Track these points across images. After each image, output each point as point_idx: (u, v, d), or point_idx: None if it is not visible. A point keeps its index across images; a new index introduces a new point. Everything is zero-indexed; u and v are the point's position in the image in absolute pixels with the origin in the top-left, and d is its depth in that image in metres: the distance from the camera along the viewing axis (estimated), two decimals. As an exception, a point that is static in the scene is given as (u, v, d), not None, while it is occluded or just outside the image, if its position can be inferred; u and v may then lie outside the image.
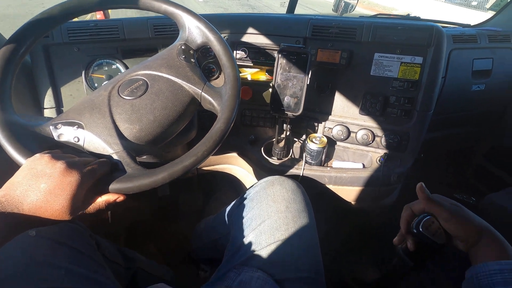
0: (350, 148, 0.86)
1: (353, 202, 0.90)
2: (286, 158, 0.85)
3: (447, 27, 1.12)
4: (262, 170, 0.88)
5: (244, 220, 0.65)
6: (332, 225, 0.93)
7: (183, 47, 0.56)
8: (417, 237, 0.48)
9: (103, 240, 0.64)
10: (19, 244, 0.44)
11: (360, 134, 0.82)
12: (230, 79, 0.53)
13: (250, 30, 0.82)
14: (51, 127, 0.47)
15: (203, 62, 0.83)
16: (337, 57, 0.77)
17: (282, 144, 0.82)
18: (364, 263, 0.89)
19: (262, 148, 0.87)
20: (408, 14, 1.16)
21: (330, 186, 0.85)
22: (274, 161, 0.84)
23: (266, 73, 0.86)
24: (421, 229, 0.47)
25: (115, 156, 0.46)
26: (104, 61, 0.77)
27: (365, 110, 0.80)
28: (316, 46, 0.79)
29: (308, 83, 0.71)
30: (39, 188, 0.37)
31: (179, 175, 0.44)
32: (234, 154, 0.95)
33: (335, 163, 0.86)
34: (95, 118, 0.48)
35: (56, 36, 0.72)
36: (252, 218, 0.64)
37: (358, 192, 0.85)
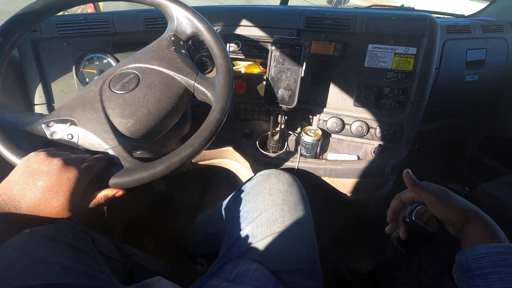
0: (345, 140, 0.86)
1: (348, 194, 0.90)
2: (281, 151, 0.85)
3: (441, 17, 1.11)
4: (257, 163, 0.88)
5: (240, 214, 0.65)
6: (327, 216, 0.94)
7: (172, 38, 0.55)
8: (409, 226, 0.48)
9: (99, 236, 0.64)
10: (13, 242, 0.44)
11: (355, 126, 0.82)
12: (222, 69, 0.53)
13: (243, 22, 0.81)
14: (43, 126, 0.46)
15: (196, 56, 0.82)
16: (331, 48, 0.77)
17: (277, 137, 0.82)
18: (359, 254, 0.91)
19: (257, 142, 0.87)
20: (402, 5, 1.15)
21: (325, 179, 0.85)
22: (269, 154, 0.84)
23: (260, 66, 0.85)
24: (413, 218, 0.47)
25: (111, 152, 0.46)
26: (95, 56, 0.76)
27: (360, 101, 0.80)
28: (310, 37, 0.78)
29: (302, 75, 0.70)
30: (37, 186, 0.37)
31: (176, 167, 0.44)
32: (230, 148, 0.95)
33: (330, 155, 0.87)
34: (87, 114, 0.47)
35: (45, 30, 0.70)
36: (248, 212, 0.64)
37: (353, 184, 0.86)
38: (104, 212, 0.92)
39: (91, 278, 0.48)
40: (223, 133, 0.89)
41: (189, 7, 0.55)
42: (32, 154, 0.40)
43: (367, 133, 0.82)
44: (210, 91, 0.52)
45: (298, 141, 0.84)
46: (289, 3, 1.19)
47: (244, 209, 0.66)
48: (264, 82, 0.82)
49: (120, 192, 0.44)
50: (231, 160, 1.02)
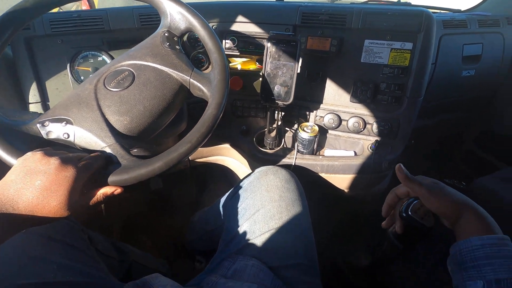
0: (342, 136, 0.86)
1: (345, 190, 0.91)
2: (278, 148, 0.85)
3: (437, 12, 1.11)
4: (254, 160, 0.88)
5: (238, 210, 0.66)
6: (325, 212, 0.95)
7: (166, 34, 0.55)
8: (406, 221, 0.49)
9: (96, 235, 0.64)
10: (11, 241, 0.44)
11: (351, 122, 0.82)
12: (218, 64, 0.53)
13: (239, 18, 0.80)
14: (38, 125, 0.46)
15: (192, 53, 0.81)
16: (327, 44, 0.76)
17: (273, 134, 0.82)
18: (356, 249, 0.91)
19: (254, 139, 0.86)
20: (399, 0, 1.15)
21: (322, 175, 0.86)
22: (266, 151, 0.84)
23: (257, 63, 0.85)
24: (410, 213, 0.48)
25: (108, 150, 0.45)
26: (89, 53, 0.75)
27: (356, 97, 0.80)
28: (306, 33, 0.78)
29: (298, 71, 0.70)
30: (34, 185, 0.37)
31: (175, 163, 0.44)
32: (227, 145, 0.95)
33: (327, 151, 0.87)
34: (83, 113, 0.47)
35: (38, 28, 0.69)
36: (246, 208, 0.64)
37: (350, 179, 0.86)
38: (102, 210, 0.92)
39: (88, 276, 0.48)
40: (220, 131, 0.89)
41: (182, 2, 0.55)
42: (29, 154, 0.40)
43: (363, 129, 0.82)
44: (206, 86, 0.52)
45: (295, 138, 0.84)
46: (285, -1, 1.19)
47: (241, 205, 0.66)
48: (261, 79, 0.82)
49: (118, 190, 0.44)
50: (228, 157, 1.02)
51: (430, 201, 0.45)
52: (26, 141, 0.45)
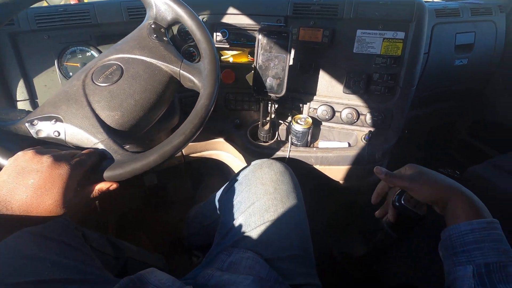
0: (335, 127, 0.86)
1: (340, 181, 0.91)
2: (272, 141, 0.85)
3: (429, 1, 1.11)
4: (248, 154, 0.88)
5: (233, 204, 0.66)
6: (320, 204, 0.95)
7: (153, 26, 0.54)
8: (399, 210, 0.49)
9: (90, 232, 0.63)
10: (3, 242, 0.43)
11: (345, 113, 0.82)
12: (207, 54, 0.52)
13: (230, 10, 0.79)
14: (27, 125, 0.45)
15: (182, 46, 0.80)
16: (319, 35, 0.76)
17: (267, 127, 0.82)
18: (351, 239, 0.92)
19: (247, 132, 0.86)
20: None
21: (317, 166, 0.86)
22: (260, 144, 0.84)
23: (249, 55, 0.84)
24: (402, 202, 0.48)
25: (100, 146, 0.45)
26: (77, 49, 0.73)
27: (349, 88, 0.80)
28: (298, 24, 0.77)
29: (291, 63, 0.70)
30: (27, 184, 0.36)
31: (170, 155, 0.44)
32: (221, 140, 0.95)
33: (321, 143, 0.87)
34: (72, 109, 0.46)
35: (23, 23, 0.68)
36: (241, 201, 0.64)
37: (344, 171, 0.86)
38: (97, 207, 0.91)
39: (84, 273, 0.48)
40: (213, 124, 0.89)
41: None
42: (20, 153, 0.39)
43: (357, 120, 0.82)
44: (197, 77, 0.51)
45: (288, 130, 0.84)
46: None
47: (237, 199, 0.66)
48: (253, 71, 0.81)
49: (114, 185, 0.44)
50: (223, 151, 1.02)
51: (416, 192, 0.45)
52: (17, 141, 0.44)
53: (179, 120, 0.74)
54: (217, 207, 0.76)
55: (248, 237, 0.59)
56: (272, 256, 0.57)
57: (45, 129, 0.45)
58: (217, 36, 0.80)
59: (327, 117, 0.83)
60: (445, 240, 0.41)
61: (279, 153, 0.83)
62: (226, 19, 0.79)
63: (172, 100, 0.72)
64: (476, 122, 1.27)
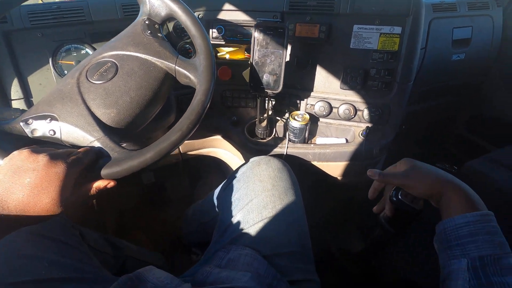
0: (333, 123, 0.86)
1: (338, 177, 0.91)
2: (270, 138, 0.85)
3: (427, -4, 1.10)
4: (246, 151, 0.87)
5: (231, 201, 0.66)
6: (318, 200, 0.95)
7: (146, 22, 0.54)
8: (396, 205, 0.49)
9: (88, 231, 0.63)
10: (1, 241, 0.43)
11: (342, 109, 0.82)
12: (202, 49, 0.51)
13: (226, 6, 0.78)
14: (21, 124, 0.45)
15: (178, 43, 0.79)
16: (316, 31, 0.75)
17: (264, 123, 0.81)
18: (349, 235, 0.92)
19: (245, 129, 0.86)
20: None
21: (314, 163, 0.86)
22: (258, 141, 0.84)
23: (245, 52, 0.83)
24: (400, 197, 0.48)
25: (97, 144, 0.45)
26: (72, 46, 0.73)
27: (346, 84, 0.80)
28: (294, 20, 0.76)
29: (287, 59, 0.69)
30: (24, 183, 0.36)
31: (167, 152, 0.44)
32: (218, 137, 0.94)
33: (318, 139, 0.87)
34: (67, 108, 0.46)
35: (16, 21, 0.67)
36: (239, 198, 0.64)
37: (342, 167, 0.86)
38: (94, 206, 0.91)
39: (81, 271, 0.48)
40: (210, 121, 0.88)
41: None
42: (15, 152, 0.39)
43: (354, 116, 0.82)
44: (192, 73, 0.51)
45: (286, 127, 0.84)
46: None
47: (235, 196, 0.66)
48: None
49: (111, 183, 0.43)
50: (220, 148, 1.01)
51: (411, 188, 0.45)
52: (11, 141, 0.43)
53: (175, 118, 0.74)
54: (215, 204, 0.76)
55: (247, 234, 0.59)
56: (271, 252, 0.57)
57: (40, 128, 0.45)
58: (213, 32, 0.80)
59: (324, 113, 0.83)
60: (440, 233, 0.41)
61: (277, 150, 0.83)
62: (222, 16, 0.79)
63: (169, 97, 0.72)
64: (473, 117, 1.28)
